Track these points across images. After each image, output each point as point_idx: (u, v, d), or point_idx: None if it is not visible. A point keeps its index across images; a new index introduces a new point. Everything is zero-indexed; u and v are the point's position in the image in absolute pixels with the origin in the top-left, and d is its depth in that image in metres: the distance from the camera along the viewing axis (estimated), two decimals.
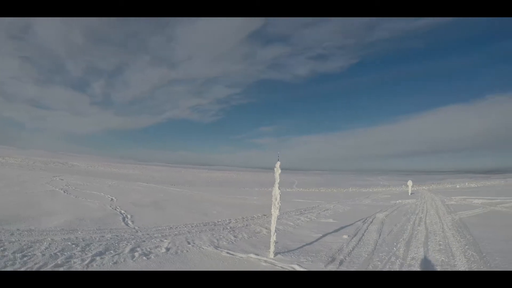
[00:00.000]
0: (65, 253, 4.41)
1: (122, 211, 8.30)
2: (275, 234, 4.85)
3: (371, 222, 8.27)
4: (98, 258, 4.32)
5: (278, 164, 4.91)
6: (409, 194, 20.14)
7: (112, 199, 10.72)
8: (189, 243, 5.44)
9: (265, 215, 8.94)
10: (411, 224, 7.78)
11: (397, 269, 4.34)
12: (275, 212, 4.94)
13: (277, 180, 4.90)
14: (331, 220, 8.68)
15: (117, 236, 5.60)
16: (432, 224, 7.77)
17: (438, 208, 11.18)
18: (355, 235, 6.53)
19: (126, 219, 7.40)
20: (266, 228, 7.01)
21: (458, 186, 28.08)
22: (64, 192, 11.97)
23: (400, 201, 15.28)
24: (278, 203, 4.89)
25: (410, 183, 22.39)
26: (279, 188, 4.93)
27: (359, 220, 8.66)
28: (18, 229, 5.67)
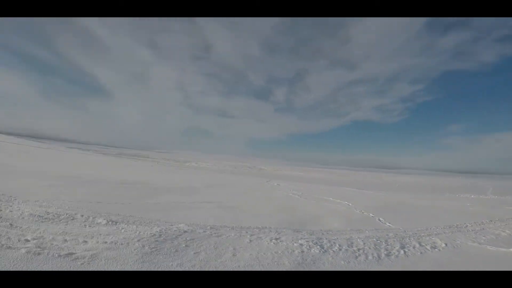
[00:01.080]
0: (381, 247, 5.67)
1: (371, 214, 9.60)
2: None
3: None
4: (406, 249, 5.72)
5: None
6: None
7: (347, 204, 11.81)
8: (454, 240, 6.86)
9: (491, 221, 9.74)
10: None
11: None
12: None
13: None
14: None
15: (396, 234, 7.06)
16: None
17: None
18: None
19: (381, 221, 8.75)
20: (503, 231, 8.11)
21: None
22: (299, 197, 13.24)
23: None
24: None
25: None
26: None
27: None
28: (320, 230, 6.86)
